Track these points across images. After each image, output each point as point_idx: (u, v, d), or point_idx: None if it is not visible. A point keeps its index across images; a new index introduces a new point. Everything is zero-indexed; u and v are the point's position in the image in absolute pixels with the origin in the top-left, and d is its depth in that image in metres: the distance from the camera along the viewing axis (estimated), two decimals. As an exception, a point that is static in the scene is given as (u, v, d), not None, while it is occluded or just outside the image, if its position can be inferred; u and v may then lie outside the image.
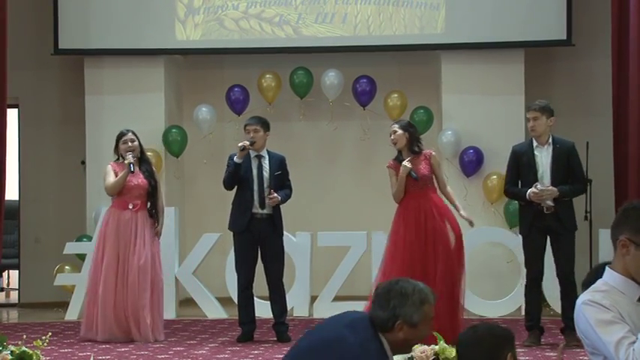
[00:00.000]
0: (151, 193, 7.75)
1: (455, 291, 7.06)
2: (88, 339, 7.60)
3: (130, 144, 7.69)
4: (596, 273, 3.26)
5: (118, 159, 7.81)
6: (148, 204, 7.76)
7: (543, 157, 7.24)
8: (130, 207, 7.68)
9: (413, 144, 7.27)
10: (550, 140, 7.27)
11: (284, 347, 7.19)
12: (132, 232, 7.64)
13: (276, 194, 7.49)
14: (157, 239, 7.81)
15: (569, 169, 7.25)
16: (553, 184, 7.17)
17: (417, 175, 7.10)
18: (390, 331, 3.38)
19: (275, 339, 7.59)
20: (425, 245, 7.07)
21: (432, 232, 7.08)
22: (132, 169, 7.59)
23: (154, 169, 8.01)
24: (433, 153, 7.40)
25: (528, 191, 7.13)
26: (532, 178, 7.19)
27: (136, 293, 7.57)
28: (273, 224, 7.53)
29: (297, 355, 3.50)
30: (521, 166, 7.30)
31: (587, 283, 3.24)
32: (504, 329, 3.34)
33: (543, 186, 7.14)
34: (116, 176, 7.67)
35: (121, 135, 7.78)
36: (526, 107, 7.43)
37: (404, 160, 7.19)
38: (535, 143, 7.28)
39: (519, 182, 7.35)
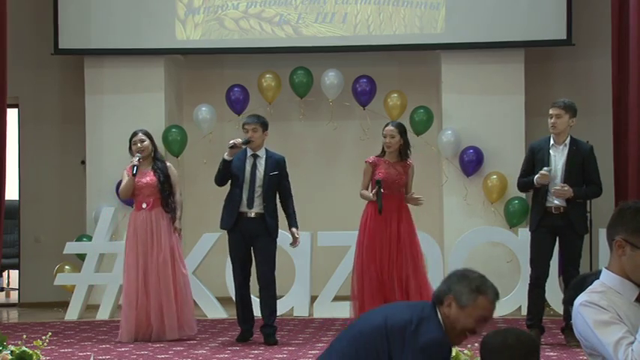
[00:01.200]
0: (162, 189, 7.72)
1: (420, 277, 7.42)
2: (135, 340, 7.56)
3: (139, 144, 7.68)
4: (579, 286, 3.23)
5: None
6: (162, 200, 7.71)
7: (558, 157, 7.19)
8: (144, 206, 7.68)
9: (403, 151, 7.53)
10: (567, 141, 7.20)
11: (284, 347, 7.19)
12: (148, 231, 7.62)
13: (297, 235, 7.61)
14: (176, 235, 7.76)
15: (584, 172, 7.20)
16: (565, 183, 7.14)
17: (382, 207, 7.35)
18: (441, 304, 3.51)
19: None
20: (395, 243, 7.36)
21: (401, 231, 7.40)
22: (134, 171, 7.59)
23: (168, 165, 7.92)
24: (412, 163, 7.61)
25: (536, 178, 7.12)
26: None
27: (158, 292, 7.57)
28: (265, 225, 7.42)
29: (366, 323, 3.58)
30: (535, 161, 7.27)
31: (569, 300, 3.22)
32: (532, 339, 3.37)
33: (554, 182, 7.09)
34: None
35: (132, 135, 7.77)
36: (550, 104, 7.35)
37: (387, 160, 7.48)
38: (552, 141, 7.22)
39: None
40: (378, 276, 7.34)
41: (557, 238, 7.24)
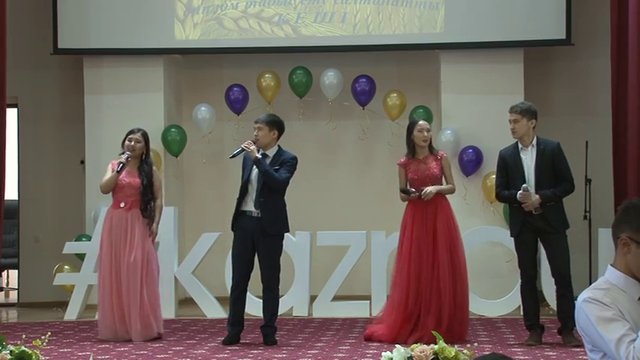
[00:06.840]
0: (144, 192, 7.71)
1: (462, 288, 7.34)
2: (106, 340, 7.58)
3: (133, 143, 7.67)
4: None
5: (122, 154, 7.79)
6: (141, 203, 7.72)
7: (528, 159, 7.22)
8: (122, 205, 7.67)
9: (432, 144, 7.54)
10: (534, 142, 7.23)
11: (284, 347, 7.19)
12: (123, 230, 7.61)
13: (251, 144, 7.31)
14: (150, 237, 7.72)
15: (555, 170, 7.22)
16: (537, 185, 7.13)
17: (417, 192, 7.32)
18: None
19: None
20: (433, 241, 7.30)
21: (440, 229, 7.33)
22: (119, 168, 7.57)
23: (154, 170, 7.88)
24: (445, 155, 7.57)
25: (518, 193, 7.12)
26: (519, 180, 7.17)
27: (128, 291, 7.57)
28: (268, 224, 7.32)
29: None
30: (508, 169, 7.29)
31: None
32: None
33: (527, 190, 7.09)
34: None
35: (130, 132, 7.74)
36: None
37: (416, 156, 7.42)
38: (520, 145, 7.26)
39: (508, 185, 7.33)
40: (414, 283, 7.31)
41: (540, 239, 7.25)
